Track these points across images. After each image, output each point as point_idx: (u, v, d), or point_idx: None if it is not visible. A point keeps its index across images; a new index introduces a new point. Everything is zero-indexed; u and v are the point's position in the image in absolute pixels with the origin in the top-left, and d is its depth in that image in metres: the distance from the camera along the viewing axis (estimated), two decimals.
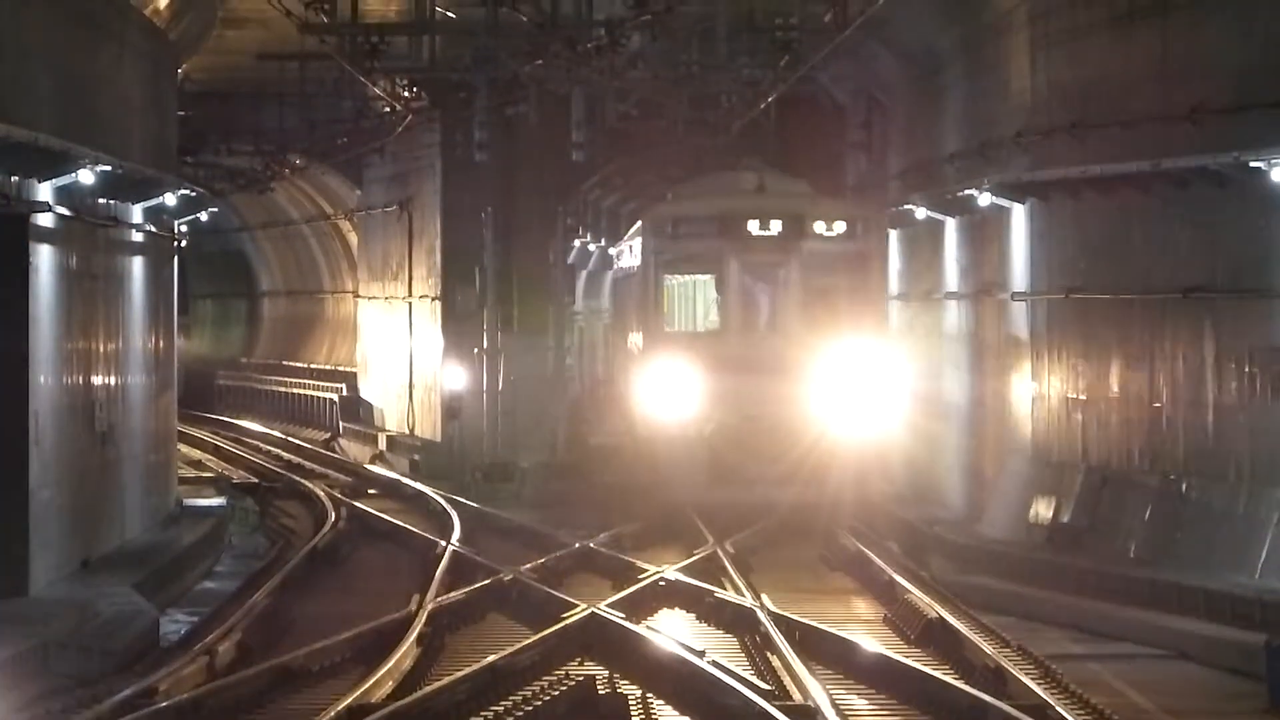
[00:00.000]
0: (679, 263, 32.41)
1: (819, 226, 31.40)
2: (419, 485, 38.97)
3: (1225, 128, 23.59)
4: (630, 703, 18.11)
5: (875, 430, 30.95)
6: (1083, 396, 28.25)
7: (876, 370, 30.97)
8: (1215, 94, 23.93)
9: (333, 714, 17.30)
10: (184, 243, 36.62)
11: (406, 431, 47.56)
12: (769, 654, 19.96)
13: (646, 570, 25.09)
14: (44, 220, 25.11)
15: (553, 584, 25.19)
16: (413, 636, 21.18)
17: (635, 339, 34.31)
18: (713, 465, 30.70)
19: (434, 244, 45.55)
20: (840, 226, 31.53)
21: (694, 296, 34.13)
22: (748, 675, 18.59)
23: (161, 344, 33.81)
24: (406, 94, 42.65)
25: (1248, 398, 24.18)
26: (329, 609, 24.62)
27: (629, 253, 35.62)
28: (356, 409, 53.46)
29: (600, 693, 18.24)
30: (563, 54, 32.68)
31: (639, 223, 33.42)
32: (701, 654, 18.86)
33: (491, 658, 19.77)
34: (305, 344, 63.58)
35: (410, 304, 48.09)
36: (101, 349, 28.68)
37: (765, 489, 30.47)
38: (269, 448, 51.64)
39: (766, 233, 31.33)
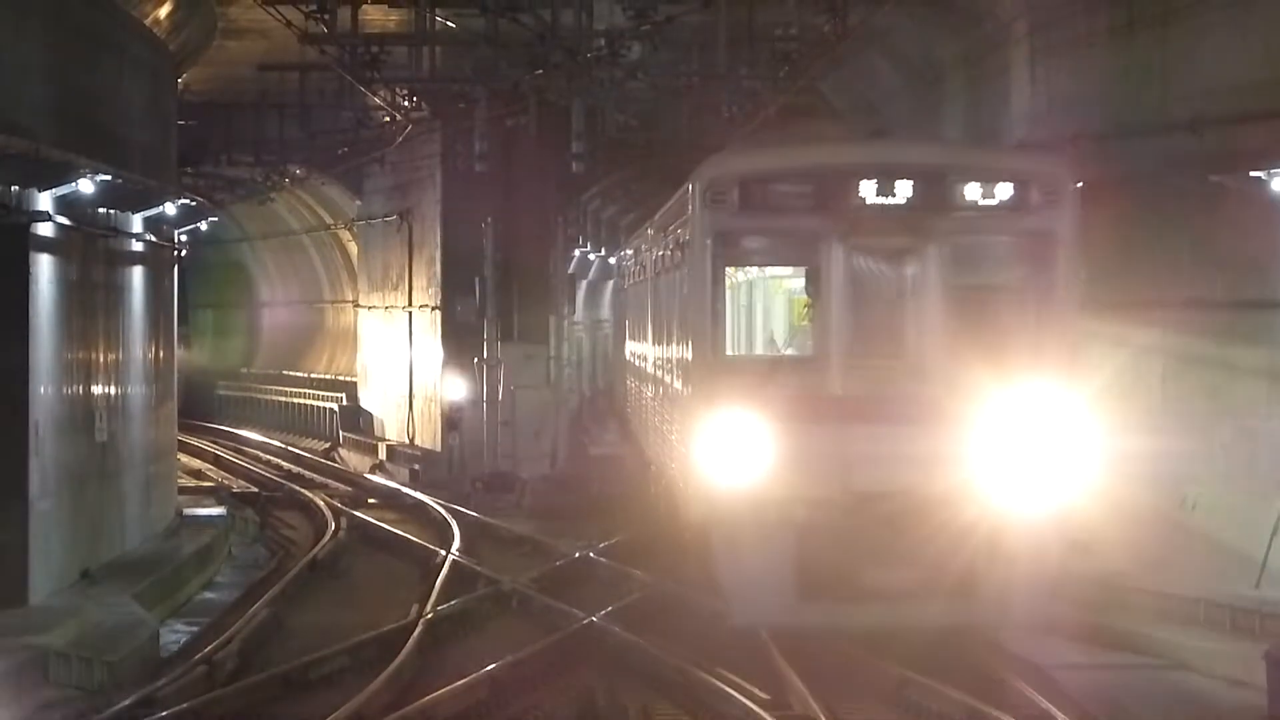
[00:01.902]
0: (750, 249, 21.35)
1: (972, 191, 20.14)
2: (419, 495, 38.98)
3: (1225, 138, 23.61)
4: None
5: (1066, 506, 20.10)
6: None
7: (1067, 416, 20.00)
8: (1214, 105, 23.95)
9: None
10: (184, 253, 36.60)
11: (406, 441, 47.56)
12: None
13: None
14: (44, 230, 25.12)
15: (553, 594, 25.20)
16: (412, 645, 21.22)
17: (666, 364, 24.49)
18: (804, 570, 19.50)
19: (434, 254, 45.57)
20: (1004, 191, 20.15)
21: (768, 304, 25.05)
22: None
23: (161, 354, 33.80)
24: (406, 104, 42.66)
25: None
26: (329, 619, 24.65)
27: (658, 244, 26.29)
28: (356, 419, 53.47)
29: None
30: (563, 65, 32.67)
31: (686, 188, 21.44)
32: None
33: (491, 666, 19.81)
34: (305, 354, 63.59)
35: (410, 314, 48.10)
36: (101, 359, 28.67)
37: (892, 609, 19.63)
38: (269, 457, 51.64)
39: (889, 200, 19.96)
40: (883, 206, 19.96)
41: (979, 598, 19.56)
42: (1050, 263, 20.15)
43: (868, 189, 19.94)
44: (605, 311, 54.15)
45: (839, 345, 19.93)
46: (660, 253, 25.53)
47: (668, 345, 24.64)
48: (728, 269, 20.99)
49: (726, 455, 19.79)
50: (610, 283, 51.95)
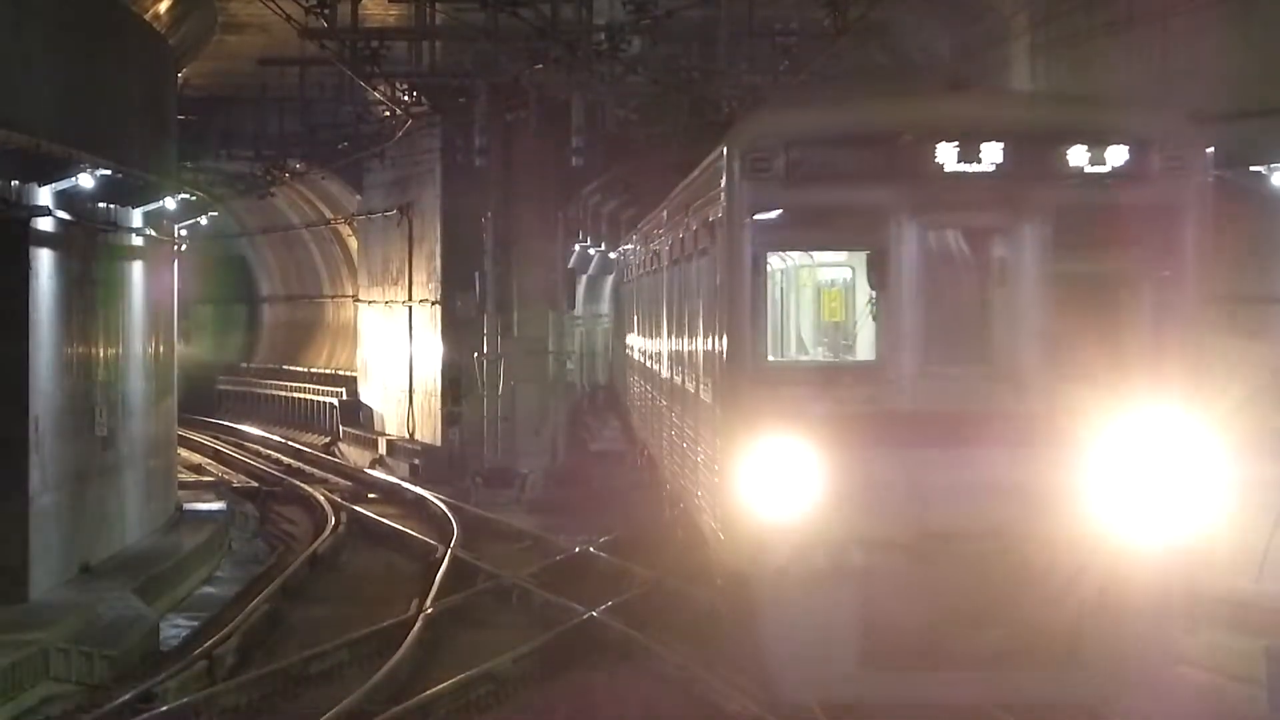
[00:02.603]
0: (798, 230, 17.41)
1: (1078, 155, 16.37)
2: (419, 490, 38.99)
3: (1223, 134, 23.59)
4: None
5: (1195, 550, 16.39)
6: None
7: (1195, 436, 16.30)
8: (1214, 100, 23.94)
9: (331, 717, 17.33)
10: (184, 247, 36.61)
11: (406, 436, 47.56)
12: None
13: None
14: (44, 225, 25.12)
15: (553, 589, 25.21)
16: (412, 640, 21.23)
17: (686, 369, 21.08)
18: (869, 631, 15.99)
19: (434, 249, 45.55)
20: (1118, 155, 16.38)
21: (816, 298, 21.12)
22: None
23: (161, 348, 33.80)
24: (406, 99, 42.66)
25: None
26: (329, 614, 24.66)
27: (674, 229, 22.86)
28: (356, 413, 53.47)
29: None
30: (563, 59, 32.65)
31: (715, 156, 17.90)
32: None
33: (490, 663, 19.81)
34: (305, 349, 63.58)
35: (410, 309, 48.09)
36: (101, 353, 28.68)
37: (977, 680, 16.14)
38: (269, 452, 51.65)
39: (974, 167, 16.30)
40: (966, 175, 16.20)
41: (1087, 665, 15.94)
42: (1175, 244, 16.29)
43: (947, 153, 16.20)
44: (605, 306, 54.12)
45: (912, 349, 16.10)
46: (678, 237, 21.97)
47: (688, 347, 20.89)
48: (770, 255, 17.65)
49: (771, 487, 15.95)
50: (610, 277, 51.92)
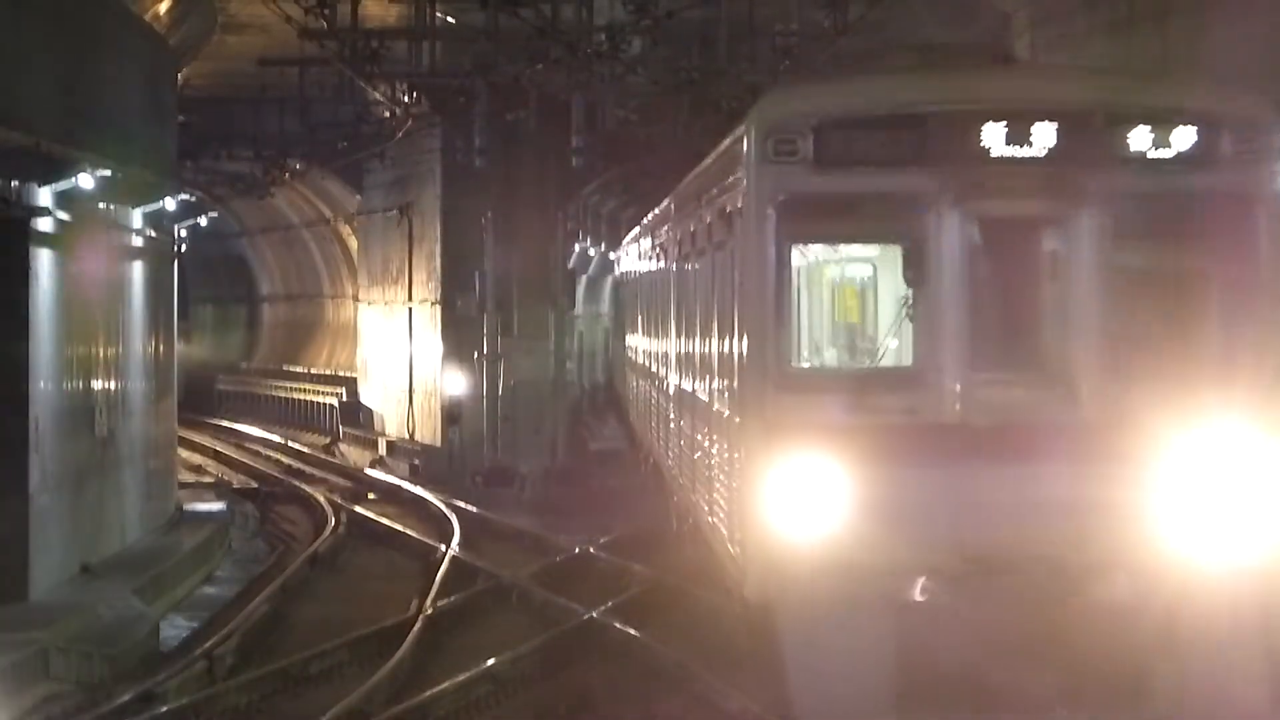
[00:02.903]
0: (827, 221, 15.51)
1: (1140, 137, 14.83)
2: (419, 490, 38.98)
3: None
4: None
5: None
6: None
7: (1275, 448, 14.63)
8: None
9: (331, 717, 17.33)
10: (184, 247, 36.61)
11: (406, 436, 47.57)
12: None
13: None
14: (44, 225, 25.12)
15: (553, 589, 25.21)
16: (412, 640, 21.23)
17: (698, 374, 19.40)
18: (907, 668, 14.44)
19: (434, 249, 45.56)
20: (1184, 137, 14.84)
21: (844, 297, 18.46)
22: None
23: (161, 349, 33.80)
24: (406, 99, 42.65)
25: None
26: (329, 613, 24.66)
27: (683, 221, 21.45)
28: (356, 413, 53.47)
29: None
30: (563, 59, 32.63)
31: (734, 139, 16.40)
32: None
33: (490, 661, 19.82)
34: (305, 349, 63.59)
35: (410, 309, 48.10)
36: (101, 354, 28.67)
37: None
38: (269, 452, 51.65)
39: (1024, 150, 14.75)
40: (1015, 159, 14.68)
41: (1153, 707, 14.22)
42: (1247, 236, 14.72)
43: (994, 135, 14.66)
44: (605, 306, 54.14)
45: (954, 353, 14.53)
46: (688, 231, 20.44)
47: (700, 350, 19.19)
48: (795, 248, 15.71)
49: (797, 508, 14.42)
50: (610, 277, 51.93)
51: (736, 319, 15.69)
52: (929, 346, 14.76)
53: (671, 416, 23.37)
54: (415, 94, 42.36)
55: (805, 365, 16.64)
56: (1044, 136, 14.70)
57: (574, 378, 47.34)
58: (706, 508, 18.44)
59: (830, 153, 14.77)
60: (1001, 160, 14.68)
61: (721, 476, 16.95)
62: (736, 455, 15.62)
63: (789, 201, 14.78)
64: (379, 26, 35.40)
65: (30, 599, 23.73)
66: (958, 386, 14.52)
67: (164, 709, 18.15)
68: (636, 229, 33.24)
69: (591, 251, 48.74)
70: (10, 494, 23.89)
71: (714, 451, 17.58)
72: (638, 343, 32.27)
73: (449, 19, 34.85)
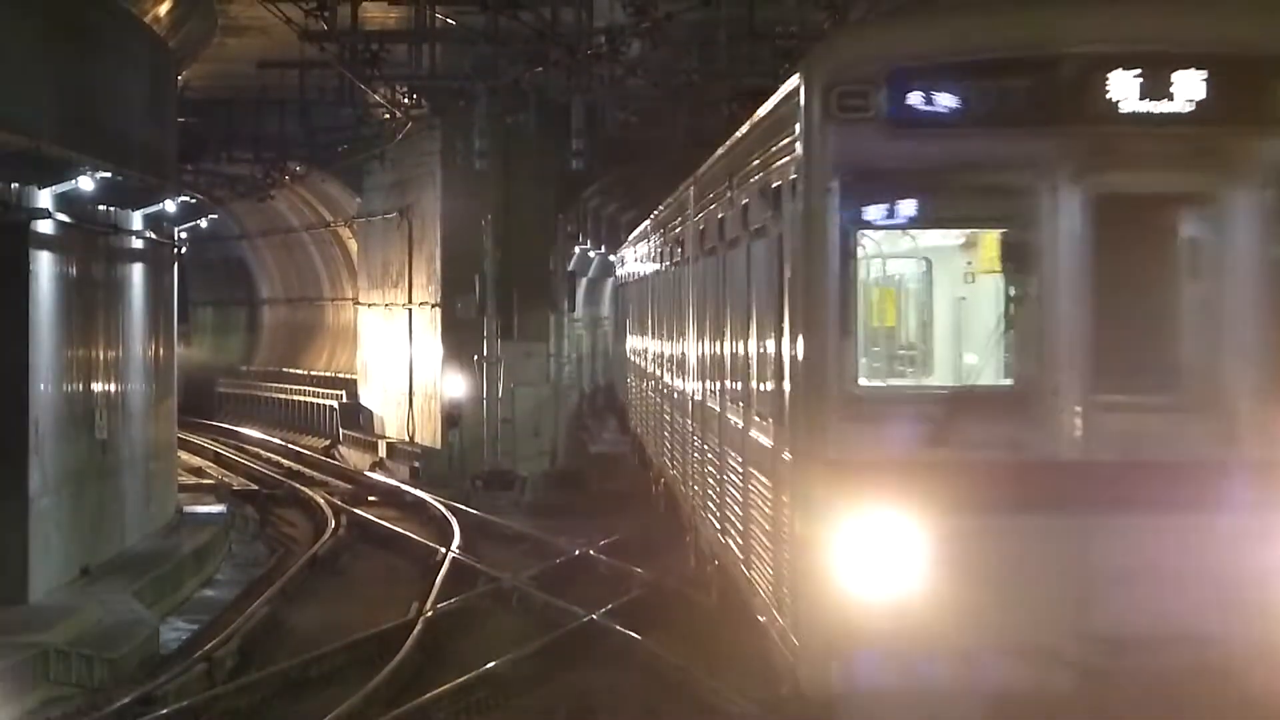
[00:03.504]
0: (905, 200, 12.15)
1: None
2: (419, 492, 38.96)
3: None
4: None
5: None
6: None
7: None
8: None
9: None
10: (184, 250, 36.59)
11: (406, 439, 47.55)
12: None
13: None
14: (44, 227, 25.11)
15: (553, 592, 25.19)
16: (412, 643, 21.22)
17: (725, 389, 17.05)
18: None
19: (434, 251, 45.55)
20: None
21: (926, 295, 14.49)
22: None
23: (161, 351, 33.79)
24: (406, 101, 42.66)
25: None
26: (329, 616, 24.64)
27: (707, 208, 18.79)
28: (356, 416, 53.45)
29: None
30: (563, 62, 32.65)
31: (784, 97, 13.09)
32: None
33: (490, 664, 19.80)
34: (305, 351, 63.58)
35: (410, 311, 48.09)
36: (101, 356, 28.66)
37: None
38: (269, 455, 51.63)
39: (1162, 107, 11.59)
40: (1150, 118, 11.46)
41: None
42: None
43: (1124, 86, 11.39)
44: (605, 309, 54.15)
45: (1073, 369, 11.53)
46: (714, 219, 17.75)
47: (731, 361, 16.54)
48: (863, 236, 12.07)
49: (866, 571, 11.47)
50: (610, 280, 51.94)
51: (785, 325, 12.64)
52: (1038, 361, 11.64)
53: (692, 438, 20.48)
54: (415, 96, 42.38)
55: (877, 384, 12.69)
56: (1189, 88, 11.46)
57: (574, 381, 47.35)
58: (740, 555, 15.53)
59: (911, 109, 11.61)
60: (1134, 119, 11.45)
61: (763, 523, 13.84)
62: (785, 500, 12.51)
63: (857, 173, 11.63)
64: (379, 29, 35.41)
65: (30, 601, 23.71)
66: (1076, 412, 11.46)
67: (164, 712, 18.12)
68: (647, 223, 30.89)
69: (592, 254, 48.79)
70: (10, 496, 23.88)
71: (752, 489, 14.59)
72: (645, 348, 30.21)
73: (449, 21, 34.85)
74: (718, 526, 17.59)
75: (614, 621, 22.25)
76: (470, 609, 24.47)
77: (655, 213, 28.87)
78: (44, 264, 25.23)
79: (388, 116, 44.55)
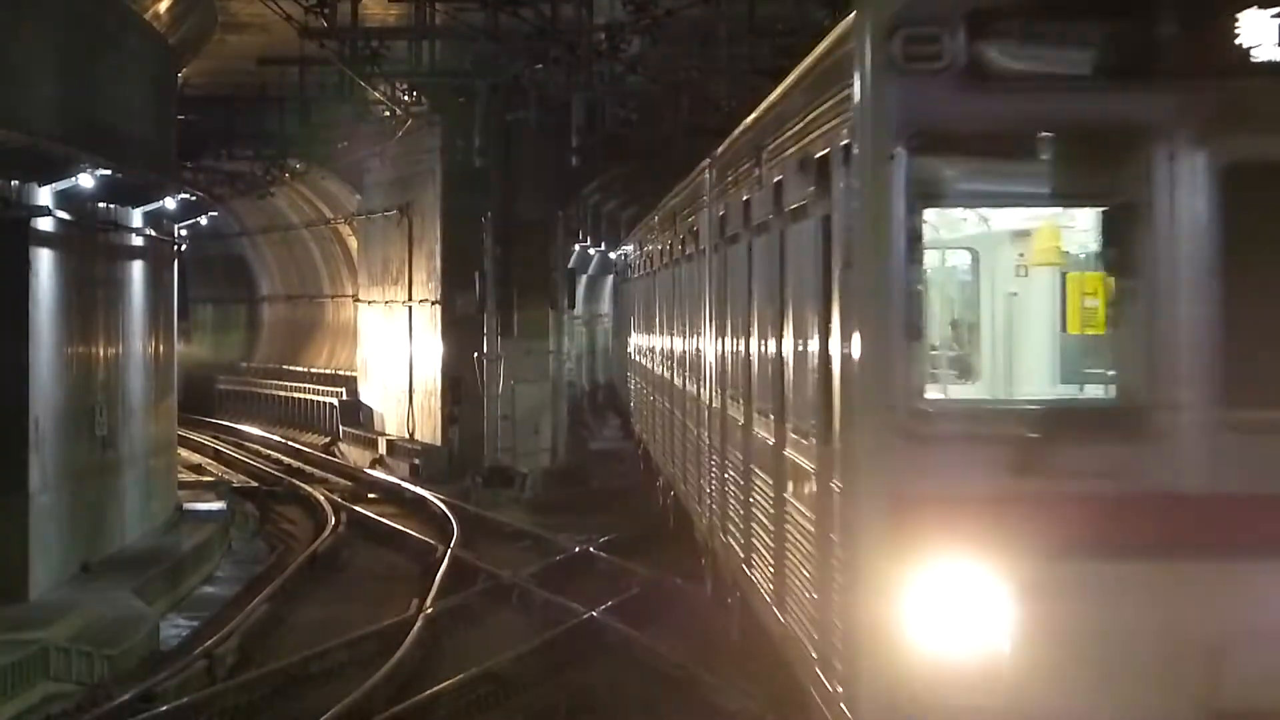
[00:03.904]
0: (989, 169, 9.72)
1: None
2: (419, 490, 38.96)
3: None
4: None
5: None
6: None
7: None
8: None
9: (331, 717, 17.33)
10: (184, 247, 36.60)
11: (406, 436, 47.54)
12: None
13: None
14: (44, 225, 25.11)
15: (553, 589, 25.19)
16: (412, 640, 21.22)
17: (752, 401, 15.04)
18: None
19: (434, 248, 45.54)
20: None
21: (972, 292, 12.61)
22: None
23: (161, 348, 33.79)
24: (406, 98, 42.65)
25: None
26: (329, 613, 24.64)
27: (729, 191, 16.88)
28: (356, 413, 53.44)
29: None
30: (563, 59, 32.65)
31: (835, 39, 10.84)
32: None
33: (490, 663, 19.81)
34: (305, 348, 63.58)
35: (410, 308, 48.09)
36: (101, 353, 28.67)
37: None
38: (269, 452, 51.63)
39: None
40: None
41: None
42: None
43: (1257, 28, 9.36)
44: (606, 306, 54.16)
45: (1196, 380, 9.48)
46: (738, 201, 15.80)
47: (760, 364, 14.56)
48: (927, 214, 9.88)
49: (944, 633, 9.41)
50: (610, 277, 51.96)
51: (833, 324, 10.68)
52: (1150, 369, 9.54)
53: (709, 450, 18.75)
54: (415, 93, 42.37)
55: (952, 399, 10.93)
56: None
57: (574, 378, 47.35)
58: (770, 594, 13.51)
59: (995, 58, 9.50)
60: (1270, 69, 9.38)
61: (802, 562, 11.85)
62: (834, 539, 10.56)
63: (927, 137, 9.51)
64: (379, 26, 35.40)
65: (30, 598, 23.72)
66: (1200, 434, 9.40)
67: (164, 708, 18.13)
68: (653, 214, 29.08)
69: (592, 251, 48.80)
70: (10, 493, 23.89)
71: (789, 520, 12.61)
72: (652, 349, 28.56)
73: (450, 17, 34.85)
74: (741, 555, 15.54)
75: (614, 619, 22.25)
76: (470, 606, 24.46)
77: (663, 202, 26.88)
78: (44, 261, 25.23)
79: (388, 113, 44.55)
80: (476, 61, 36.50)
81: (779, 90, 13.71)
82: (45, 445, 24.90)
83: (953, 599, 9.38)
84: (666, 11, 29.71)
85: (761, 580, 14.23)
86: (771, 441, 13.57)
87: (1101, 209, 10.13)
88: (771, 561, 13.54)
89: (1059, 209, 10.94)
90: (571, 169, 40.27)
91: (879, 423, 9.64)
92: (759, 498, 14.47)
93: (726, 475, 17.15)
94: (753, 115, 15.44)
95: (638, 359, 33.57)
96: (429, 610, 23.36)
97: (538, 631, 22.10)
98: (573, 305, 46.98)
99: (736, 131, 16.82)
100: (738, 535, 16.13)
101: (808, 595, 11.59)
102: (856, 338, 9.97)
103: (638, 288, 34.80)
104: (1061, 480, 9.44)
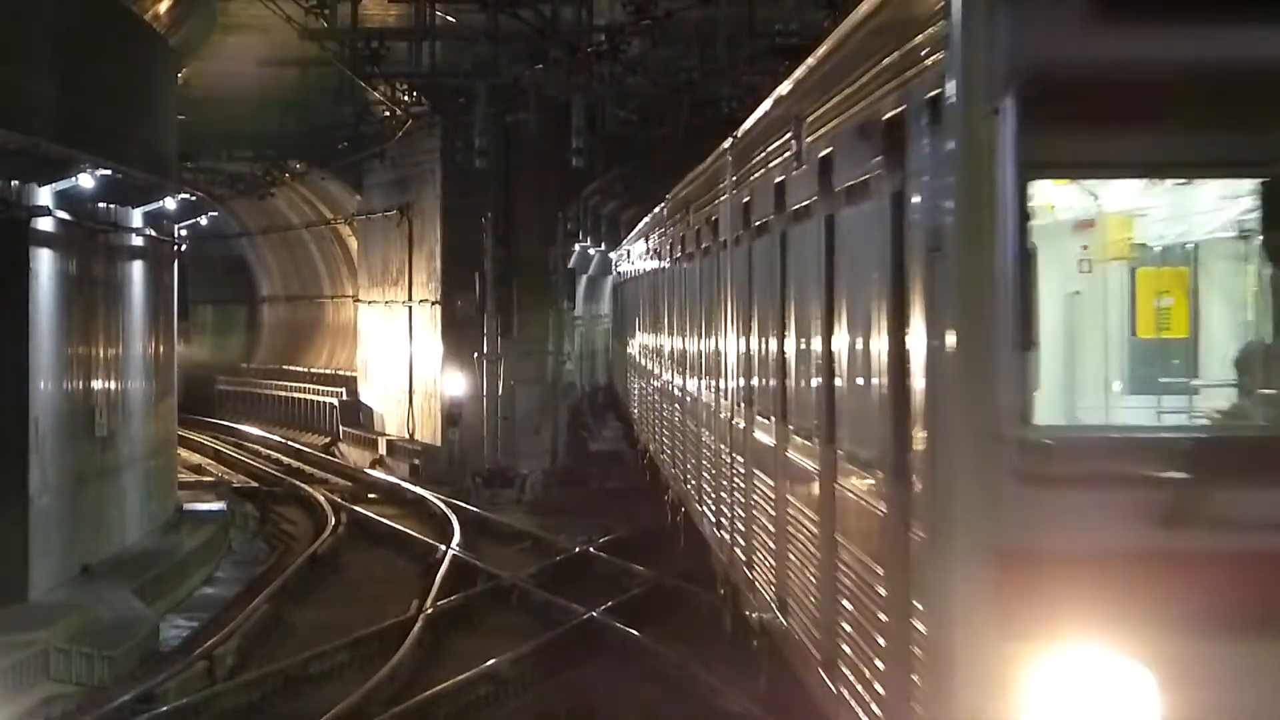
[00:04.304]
0: (1118, 128, 7.23)
1: None
2: (419, 490, 38.97)
3: None
4: None
5: None
6: None
7: None
8: None
9: (331, 718, 17.33)
10: (184, 248, 36.61)
11: (406, 436, 47.56)
12: None
13: None
14: (44, 225, 25.12)
15: (553, 589, 25.20)
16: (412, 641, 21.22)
17: (805, 431, 12.02)
18: None
19: (434, 249, 45.56)
20: None
21: (1061, 290, 9.10)
22: None
23: (161, 349, 33.80)
24: (406, 99, 42.65)
25: None
26: (329, 614, 24.64)
27: (759, 169, 14.30)
28: (356, 414, 53.45)
29: None
30: (563, 60, 32.64)
31: None
32: None
33: (491, 662, 19.81)
34: (305, 349, 63.59)
35: (410, 309, 48.10)
36: (101, 354, 28.67)
37: None
38: (269, 453, 51.64)
39: None
40: None
41: None
42: None
43: None
44: (605, 307, 54.15)
45: None
46: (766, 186, 13.66)
47: (791, 377, 12.60)
48: (1033, 187, 7.69)
49: None
50: (610, 278, 51.95)
51: (909, 329, 8.53)
52: None
53: (730, 472, 16.72)
54: (415, 94, 42.37)
55: (1075, 425, 8.61)
56: None
57: (574, 378, 47.34)
58: (815, 651, 11.28)
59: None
60: None
61: (867, 625, 9.52)
62: (915, 604, 8.28)
63: (1045, 85, 7.23)
64: (379, 27, 35.39)
65: (30, 600, 23.72)
66: None
67: (164, 709, 18.13)
68: (661, 207, 27.34)
69: (592, 252, 48.78)
70: (11, 495, 23.89)
71: (843, 566, 10.33)
72: (659, 352, 27.12)
73: (449, 19, 34.86)
74: (772, 599, 13.31)
75: (613, 619, 22.24)
76: (470, 607, 24.47)
77: (673, 193, 24.89)
78: (44, 262, 25.23)
79: (388, 114, 44.56)
80: (477, 62, 36.48)
81: (826, 45, 11.17)
82: (45, 446, 24.91)
83: (1080, 691, 7.06)
84: (666, 13, 29.71)
85: (799, 628, 11.84)
86: (815, 470, 11.28)
87: (1262, 181, 7.89)
88: (817, 614, 11.11)
89: (1185, 181, 8.24)
90: (571, 169, 40.23)
91: (980, 457, 7.35)
92: (798, 536, 12.11)
93: (753, 502, 14.82)
94: (788, 82, 12.76)
95: (642, 362, 32.17)
96: (429, 611, 23.36)
97: (538, 632, 22.09)
98: (573, 306, 46.98)
99: (765, 105, 14.41)
100: (768, 575, 13.79)
101: (872, 667, 9.25)
102: (947, 345, 7.69)
103: (641, 287, 33.40)
104: (1225, 533, 7.15)
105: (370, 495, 40.30)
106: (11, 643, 20.52)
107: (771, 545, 13.67)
